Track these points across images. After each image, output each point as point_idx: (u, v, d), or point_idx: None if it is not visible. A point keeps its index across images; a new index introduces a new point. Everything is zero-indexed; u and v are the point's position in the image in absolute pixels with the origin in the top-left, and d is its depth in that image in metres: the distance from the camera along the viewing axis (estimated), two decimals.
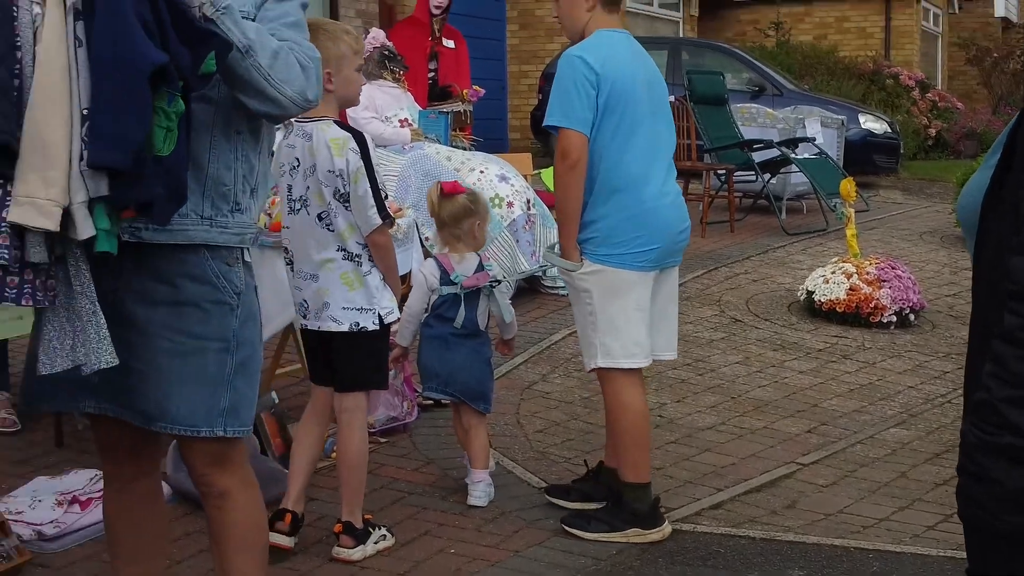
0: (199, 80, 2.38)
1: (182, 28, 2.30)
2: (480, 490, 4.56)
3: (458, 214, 4.52)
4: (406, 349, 4.67)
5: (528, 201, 7.56)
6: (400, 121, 7.69)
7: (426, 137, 7.76)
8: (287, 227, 3.99)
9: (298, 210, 3.94)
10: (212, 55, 2.38)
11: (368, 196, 3.87)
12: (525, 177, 8.41)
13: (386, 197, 3.99)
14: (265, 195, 2.96)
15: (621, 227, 4.16)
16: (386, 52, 7.77)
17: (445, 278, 4.51)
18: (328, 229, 3.91)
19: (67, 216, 2.17)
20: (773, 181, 11.55)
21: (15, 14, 2.14)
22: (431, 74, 9.02)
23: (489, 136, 17.84)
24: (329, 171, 3.86)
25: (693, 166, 11.35)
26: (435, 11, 8.93)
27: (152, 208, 2.27)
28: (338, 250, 3.92)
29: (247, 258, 2.86)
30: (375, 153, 3.99)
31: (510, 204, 7.43)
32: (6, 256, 2.12)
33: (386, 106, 7.70)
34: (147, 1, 2.19)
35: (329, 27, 3.90)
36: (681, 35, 21.35)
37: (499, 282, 4.56)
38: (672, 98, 11.69)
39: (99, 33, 2.14)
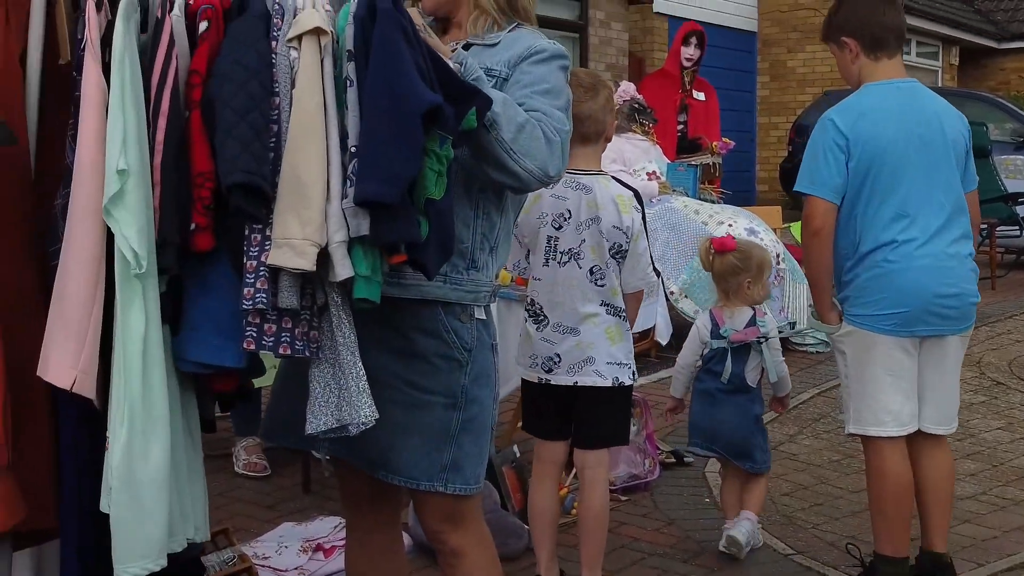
0: (460, 136, 2.36)
1: (445, 81, 2.30)
2: (744, 528, 4.39)
3: (726, 271, 4.43)
4: (680, 401, 4.58)
5: (777, 256, 7.38)
6: (648, 174, 7.64)
7: (674, 190, 7.69)
8: (538, 279, 3.94)
9: (565, 263, 3.89)
10: (473, 111, 2.36)
11: (646, 254, 3.91)
12: (775, 231, 8.23)
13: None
14: (507, 252, 2.92)
15: (868, 287, 3.97)
16: (636, 105, 7.76)
17: (716, 331, 4.41)
18: (598, 284, 3.88)
19: (327, 259, 2.18)
20: None
21: (273, 60, 2.19)
22: (680, 126, 8.97)
23: (737, 189, 17.67)
24: (615, 227, 3.85)
25: None
26: (686, 63, 8.89)
27: (420, 254, 2.25)
28: (602, 304, 3.88)
29: (481, 315, 2.81)
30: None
31: None
32: (264, 301, 2.15)
33: (634, 159, 7.67)
34: (418, 49, 2.20)
35: (608, 82, 3.96)
36: (940, 84, 20.62)
37: (768, 338, 4.40)
38: None
39: (374, 72, 2.16)
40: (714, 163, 8.68)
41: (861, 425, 4.04)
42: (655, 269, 3.99)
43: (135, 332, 2.16)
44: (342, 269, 2.18)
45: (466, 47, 2.76)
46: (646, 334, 7.25)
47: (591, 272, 3.87)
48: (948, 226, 3.99)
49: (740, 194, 17.53)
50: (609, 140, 4.00)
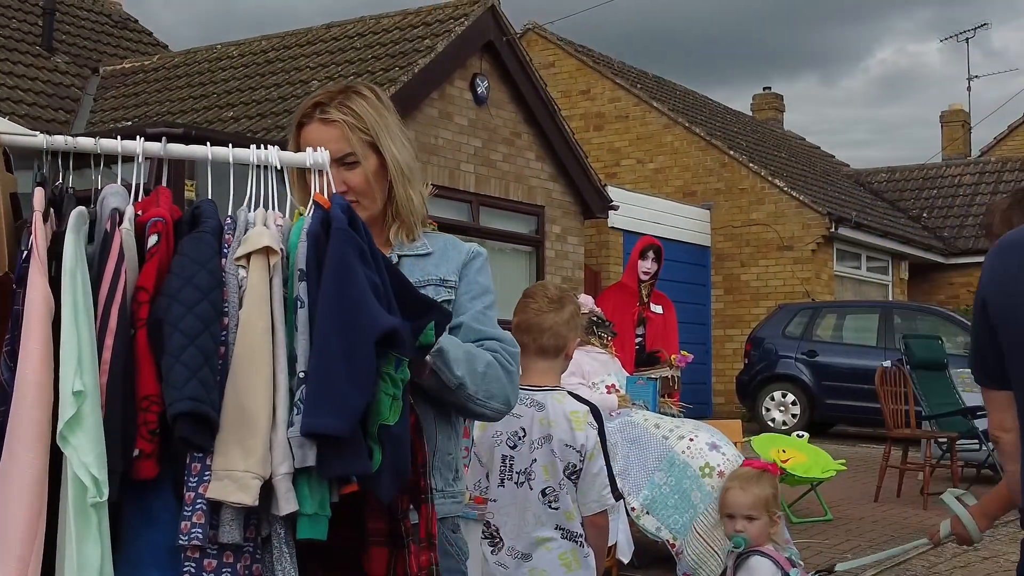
0: (418, 351, 2.29)
1: (403, 297, 2.23)
2: None
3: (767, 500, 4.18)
4: None
5: None
6: (607, 387, 7.55)
7: (634, 404, 7.59)
8: (494, 500, 3.75)
9: (520, 483, 3.70)
10: (431, 326, 2.29)
11: (603, 474, 3.68)
12: (736, 444, 8.12)
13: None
14: (467, 462, 2.88)
15: None
16: (594, 318, 7.72)
17: None
18: (551, 507, 3.66)
19: (271, 490, 2.05)
20: None
21: (224, 279, 2.09)
22: (639, 339, 8.95)
23: (694, 400, 17.63)
24: (568, 445, 3.66)
25: (912, 434, 10.85)
26: (644, 277, 8.93)
27: (372, 484, 2.11)
28: (557, 528, 3.66)
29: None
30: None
31: (721, 474, 7.10)
32: (200, 536, 1.99)
33: (593, 372, 7.59)
34: (373, 265, 2.12)
35: (575, 298, 3.84)
36: (891, 298, 20.95)
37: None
38: (888, 363, 11.42)
39: (326, 295, 2.07)
40: (673, 376, 8.62)
41: None
42: (614, 488, 3.77)
43: (91, 567, 1.98)
44: (286, 503, 2.03)
45: (398, 260, 2.75)
46: (607, 552, 7.04)
47: (543, 494, 3.66)
48: None
49: (697, 407, 17.48)
50: (570, 358, 3.82)
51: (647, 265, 8.91)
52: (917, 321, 16.04)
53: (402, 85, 12.49)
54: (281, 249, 2.12)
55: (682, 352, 8.89)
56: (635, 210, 17.20)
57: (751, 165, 19.27)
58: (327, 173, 2.31)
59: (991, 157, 27.69)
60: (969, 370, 11.57)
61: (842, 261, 19.99)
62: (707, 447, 7.23)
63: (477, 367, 2.60)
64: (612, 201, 16.05)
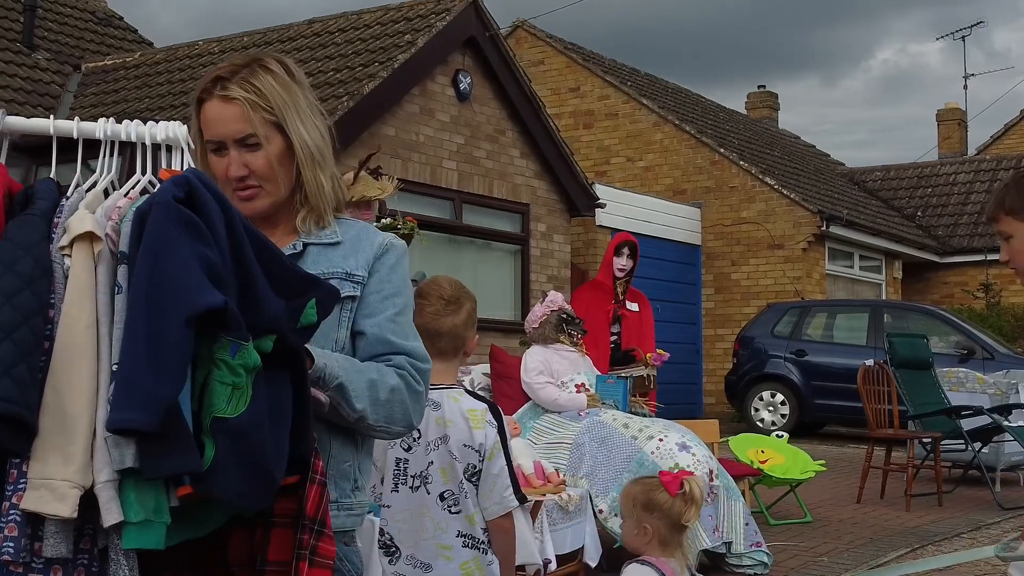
0: (299, 334, 2.07)
1: (276, 273, 2.02)
2: None
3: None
4: None
5: (711, 472, 7.07)
6: (576, 386, 7.40)
7: (603, 403, 7.43)
8: (387, 506, 3.51)
9: (415, 488, 3.48)
10: (312, 304, 2.08)
11: (504, 474, 3.46)
12: (712, 445, 7.95)
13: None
14: (370, 469, 2.65)
15: None
16: (564, 315, 7.56)
17: None
18: (451, 511, 3.45)
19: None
20: (985, 450, 10.74)
21: (52, 268, 1.91)
22: (614, 337, 8.77)
23: (684, 401, 17.51)
24: (466, 445, 3.45)
25: (896, 434, 10.67)
26: (619, 274, 8.76)
27: (208, 485, 1.89)
28: (458, 536, 3.44)
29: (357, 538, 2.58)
30: (508, 425, 3.64)
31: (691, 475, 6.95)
32: (11, 551, 1.81)
33: (563, 371, 7.44)
34: (210, 239, 1.92)
35: (470, 293, 3.62)
36: (884, 297, 20.76)
37: None
38: (871, 362, 11.24)
39: (138, 276, 1.87)
40: (648, 375, 8.44)
41: None
42: (516, 490, 3.55)
43: None
44: (108, 514, 1.84)
45: (303, 248, 2.53)
46: (573, 556, 6.88)
47: (441, 497, 3.45)
48: None
49: (687, 407, 17.35)
50: (468, 355, 3.61)
51: (622, 262, 8.73)
52: (908, 320, 15.86)
53: (382, 81, 12.33)
54: (109, 235, 1.93)
55: (658, 351, 8.70)
56: (624, 208, 17.02)
57: (741, 163, 19.08)
58: (184, 150, 2.12)
59: (987, 155, 27.49)
60: (956, 369, 11.28)
61: (834, 260, 19.80)
62: (677, 448, 7.06)
63: (380, 395, 2.41)
64: (599, 199, 15.88)
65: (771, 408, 15.80)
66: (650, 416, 7.83)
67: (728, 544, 7.23)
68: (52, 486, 1.81)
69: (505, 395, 7.65)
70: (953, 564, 5.61)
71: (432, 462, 3.46)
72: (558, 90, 20.00)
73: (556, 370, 7.44)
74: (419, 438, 3.47)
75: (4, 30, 15.41)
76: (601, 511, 6.99)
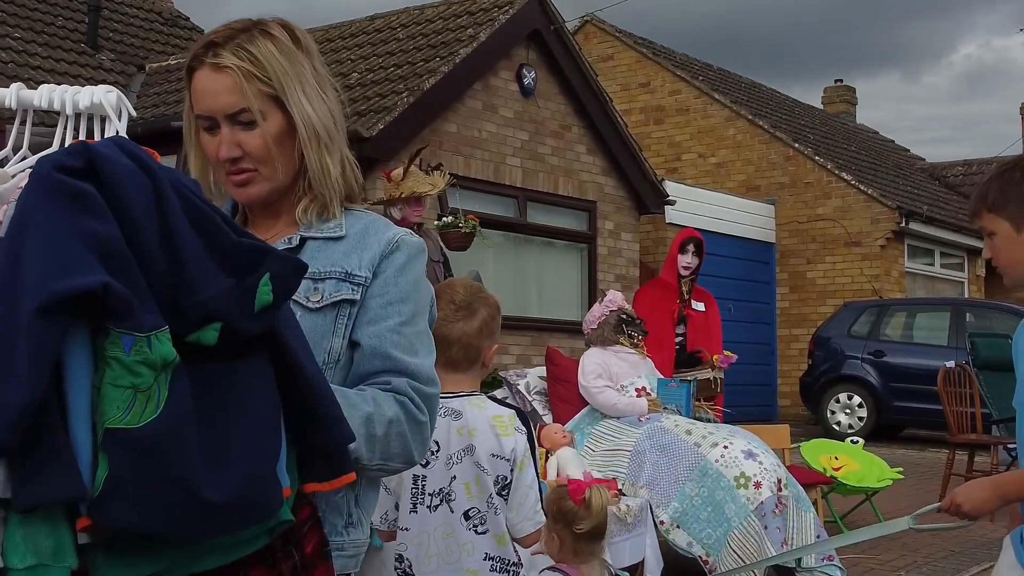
0: (254, 321, 1.67)
1: (222, 247, 1.66)
2: None
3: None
4: None
5: (779, 481, 6.67)
6: (637, 390, 7.03)
7: (665, 408, 7.06)
8: (406, 529, 3.20)
9: (435, 507, 3.15)
10: (266, 280, 1.68)
11: (536, 486, 3.14)
12: (782, 452, 7.55)
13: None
14: (375, 499, 2.28)
15: None
16: (623, 316, 7.21)
17: None
18: (477, 531, 3.12)
19: None
20: None
21: None
22: (679, 339, 8.39)
23: (757, 403, 17.04)
24: (494, 455, 3.12)
25: (979, 439, 10.16)
26: (683, 272, 8.38)
27: (100, 513, 1.53)
28: (486, 559, 3.10)
29: None
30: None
31: (757, 484, 6.55)
32: None
33: (622, 374, 7.08)
34: (99, 213, 1.56)
35: (493, 298, 3.26)
36: (966, 296, 20.11)
37: None
38: (952, 363, 10.73)
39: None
40: (715, 378, 8.05)
41: None
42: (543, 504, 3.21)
43: None
44: None
45: (301, 243, 2.19)
46: (634, 570, 6.52)
47: (466, 516, 3.13)
48: None
49: (761, 409, 16.89)
50: (487, 366, 3.27)
51: (687, 259, 8.35)
52: (991, 320, 15.24)
53: (443, 76, 12.06)
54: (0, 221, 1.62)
55: (726, 352, 8.30)
56: (695, 205, 16.61)
57: (817, 158, 18.56)
58: (114, 120, 1.80)
59: None
60: None
61: (914, 257, 19.19)
62: (743, 455, 6.67)
63: (376, 431, 2.04)
64: (669, 196, 15.47)
65: (848, 411, 15.30)
66: (715, 422, 7.46)
67: (798, 560, 6.82)
68: None
69: (562, 399, 7.31)
70: (870, 538, 5.28)
71: (455, 477, 3.15)
72: (628, 85, 19.62)
73: (615, 373, 7.08)
74: (438, 451, 3.16)
75: (69, 31, 15.39)
76: (662, 522, 6.62)
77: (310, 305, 2.11)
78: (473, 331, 3.14)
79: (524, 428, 3.17)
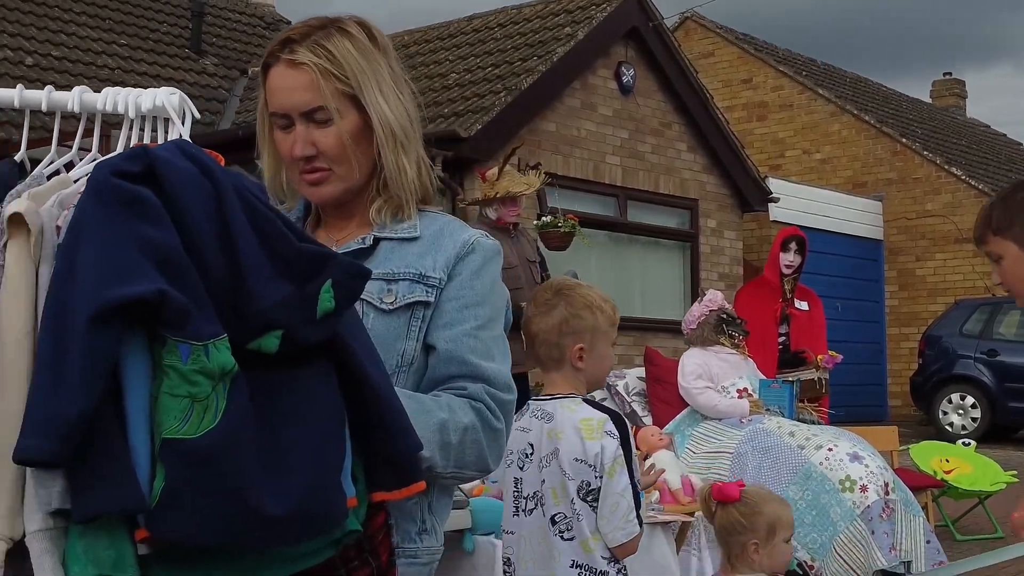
0: (316, 328, 1.62)
1: (282, 252, 1.61)
2: None
3: (727, 528, 3.51)
4: None
5: (886, 484, 6.47)
6: (738, 391, 6.88)
7: (767, 409, 6.90)
8: (510, 532, 3.15)
9: (530, 510, 3.07)
10: (327, 287, 1.63)
11: (628, 495, 3.00)
12: (890, 455, 7.34)
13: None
14: (448, 505, 2.22)
15: None
16: (723, 315, 7.07)
17: None
18: (564, 537, 3.02)
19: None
20: None
21: None
22: (782, 339, 8.21)
23: (867, 403, 16.68)
24: (578, 459, 3.01)
25: None
26: (786, 270, 8.21)
27: (158, 525, 1.49)
28: (572, 566, 3.00)
29: None
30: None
31: (863, 488, 6.36)
32: None
33: (722, 374, 6.94)
34: (157, 219, 1.53)
35: (588, 295, 3.17)
36: None
37: None
38: None
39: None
40: (819, 379, 7.86)
41: None
42: (639, 514, 3.10)
43: None
44: (40, 571, 1.47)
45: (374, 243, 2.14)
46: None
47: (553, 521, 3.03)
48: None
49: (871, 409, 16.53)
50: (575, 366, 3.13)
51: (789, 258, 8.18)
52: None
53: (541, 75, 12.00)
54: (60, 227, 1.57)
55: (830, 352, 8.11)
56: (800, 202, 16.32)
57: (925, 153, 18.13)
58: (178, 123, 1.74)
59: None
60: None
61: None
62: (848, 458, 6.48)
63: (451, 438, 1.98)
64: (772, 193, 15.22)
65: (960, 411, 14.90)
66: (819, 423, 7.27)
67: (907, 564, 6.61)
68: None
69: (662, 400, 7.19)
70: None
71: (544, 480, 3.07)
72: (729, 82, 19.36)
73: (715, 374, 6.95)
74: (531, 454, 3.09)
75: (173, 36, 15.65)
76: None
77: (383, 306, 2.06)
78: (550, 328, 3.06)
79: (616, 433, 3.04)
